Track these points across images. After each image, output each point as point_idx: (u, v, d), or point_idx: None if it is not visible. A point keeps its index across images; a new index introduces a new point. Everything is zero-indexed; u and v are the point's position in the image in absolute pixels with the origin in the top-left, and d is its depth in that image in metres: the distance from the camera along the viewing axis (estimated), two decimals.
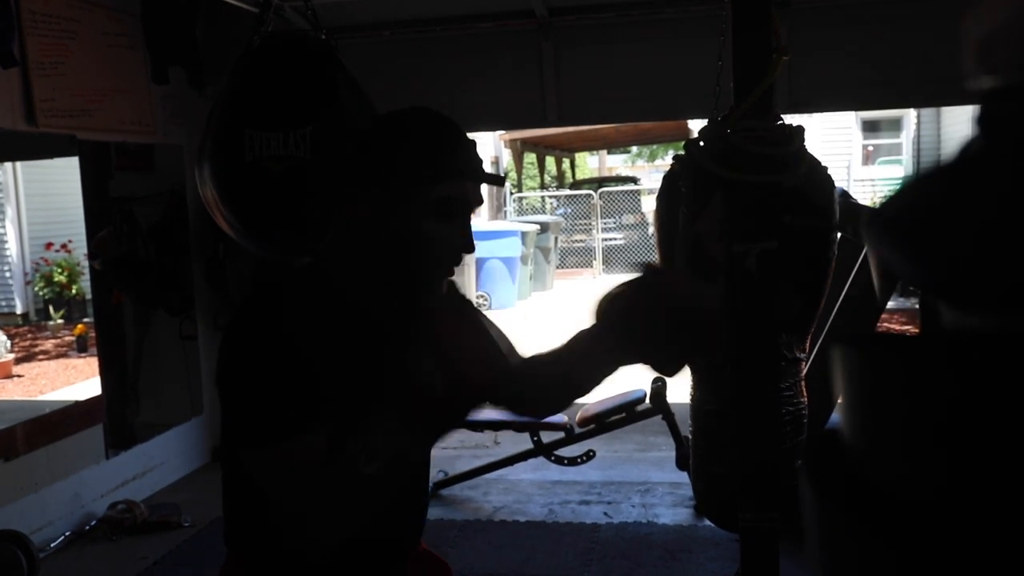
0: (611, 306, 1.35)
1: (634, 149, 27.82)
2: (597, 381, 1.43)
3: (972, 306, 0.74)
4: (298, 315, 1.26)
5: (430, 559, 1.62)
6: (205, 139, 3.25)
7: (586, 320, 1.38)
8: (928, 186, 0.84)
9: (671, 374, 1.35)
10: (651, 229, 4.66)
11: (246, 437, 1.25)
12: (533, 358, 1.52)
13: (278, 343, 1.23)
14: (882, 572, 0.66)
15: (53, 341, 7.52)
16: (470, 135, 1.38)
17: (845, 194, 3.53)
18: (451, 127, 1.35)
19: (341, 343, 1.27)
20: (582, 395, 1.50)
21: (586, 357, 1.39)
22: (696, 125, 9.07)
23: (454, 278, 1.45)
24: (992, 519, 0.60)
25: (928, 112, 14.22)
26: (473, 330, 1.49)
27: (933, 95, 4.57)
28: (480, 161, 1.38)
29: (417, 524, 1.54)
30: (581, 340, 1.40)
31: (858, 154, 15.75)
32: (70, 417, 4.33)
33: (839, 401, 0.73)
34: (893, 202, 0.85)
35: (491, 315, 1.61)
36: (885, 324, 8.05)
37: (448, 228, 1.31)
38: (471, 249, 1.36)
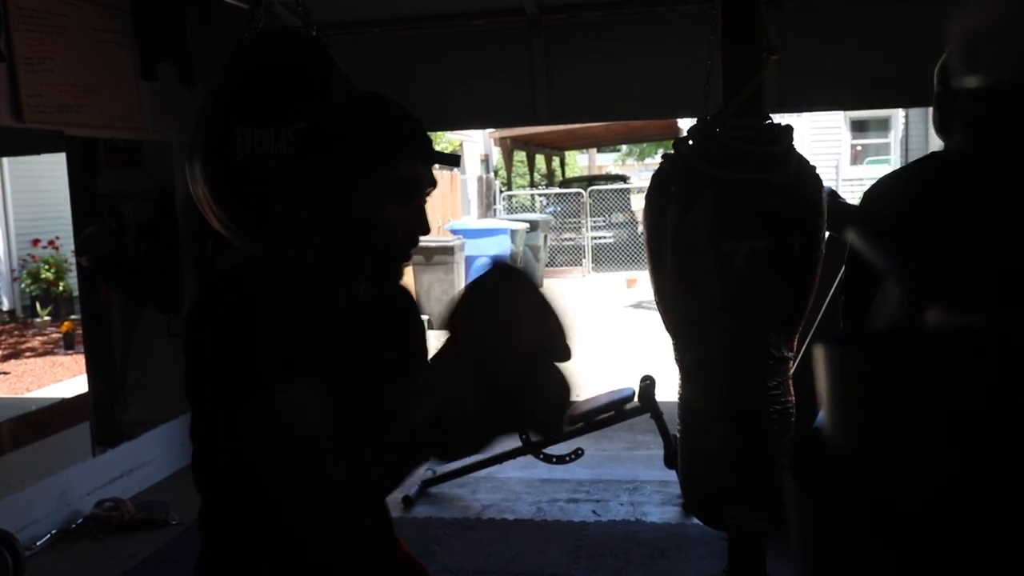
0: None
1: (624, 148, 27.83)
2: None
3: (956, 305, 0.74)
4: (261, 300, 1.26)
5: (408, 562, 1.61)
6: (196, 136, 3.24)
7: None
8: (914, 186, 0.84)
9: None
10: (640, 228, 4.67)
11: (229, 399, 1.22)
12: None
13: (241, 327, 1.22)
14: (863, 569, 0.67)
15: (40, 338, 7.49)
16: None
17: (833, 193, 3.55)
18: (399, 110, 1.36)
19: (303, 329, 1.26)
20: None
21: None
22: (686, 124, 9.10)
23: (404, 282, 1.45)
24: (973, 516, 0.61)
25: (916, 112, 14.29)
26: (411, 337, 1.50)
27: (921, 95, 4.58)
28: (431, 142, 1.39)
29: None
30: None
31: (847, 154, 15.83)
32: (57, 415, 4.31)
33: (823, 399, 0.74)
34: (879, 202, 0.86)
35: None
36: None
37: (403, 211, 1.33)
38: (427, 230, 1.38)
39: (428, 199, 1.41)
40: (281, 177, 2.92)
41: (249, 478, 1.29)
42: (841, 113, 14.51)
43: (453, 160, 1.53)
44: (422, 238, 1.40)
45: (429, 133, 1.40)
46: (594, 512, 4.15)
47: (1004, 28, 0.70)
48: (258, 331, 1.21)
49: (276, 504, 1.29)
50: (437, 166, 1.45)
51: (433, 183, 1.38)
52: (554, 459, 4.38)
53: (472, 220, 14.63)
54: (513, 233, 11.54)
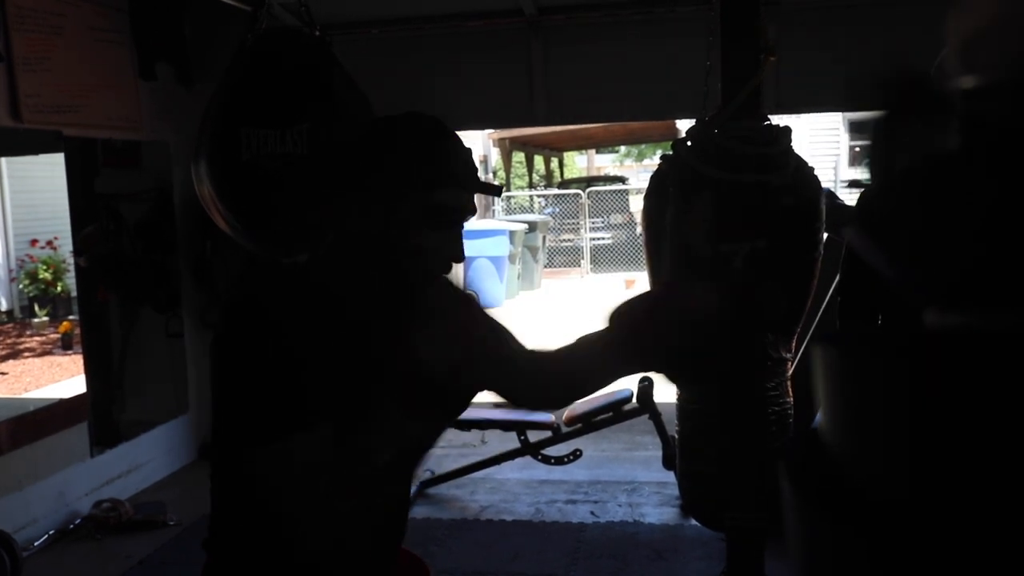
0: (626, 314, 1.36)
1: (622, 149, 27.83)
2: (602, 383, 1.47)
3: (954, 305, 0.74)
4: (291, 319, 1.24)
5: (408, 559, 1.61)
6: (201, 137, 3.24)
7: (598, 324, 1.41)
8: (910, 187, 0.84)
9: (675, 382, 1.43)
10: (639, 229, 4.69)
11: (246, 436, 1.23)
12: (539, 353, 1.52)
13: (272, 346, 1.21)
14: (858, 570, 0.67)
15: (38, 338, 7.49)
16: (459, 134, 1.36)
17: (831, 195, 3.55)
18: (447, 135, 1.32)
19: (332, 347, 1.25)
20: (584, 395, 1.53)
21: (595, 359, 1.41)
22: (684, 125, 9.09)
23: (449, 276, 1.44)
24: (972, 518, 0.61)
25: None
26: (464, 328, 1.47)
27: None
28: (475, 169, 1.36)
29: (399, 532, 1.54)
30: (591, 342, 1.41)
31: (845, 155, 15.83)
32: (55, 415, 4.30)
33: (821, 400, 0.74)
34: (874, 203, 0.86)
35: None
36: None
37: (440, 236, 1.30)
38: (461, 258, 1.35)
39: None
40: (303, 182, 2.91)
41: (264, 497, 1.29)
42: (839, 114, 14.51)
43: (495, 190, 1.51)
44: None
45: None
46: (592, 513, 4.15)
47: (1001, 28, 0.70)
48: (287, 360, 1.21)
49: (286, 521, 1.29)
50: None
51: (473, 210, 1.35)
52: (552, 460, 4.38)
53: (471, 221, 14.60)
54: (512, 234, 11.54)
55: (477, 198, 1.46)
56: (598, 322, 1.40)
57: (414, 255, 1.30)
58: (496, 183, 1.55)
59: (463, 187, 1.32)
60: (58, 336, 7.24)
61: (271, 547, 1.33)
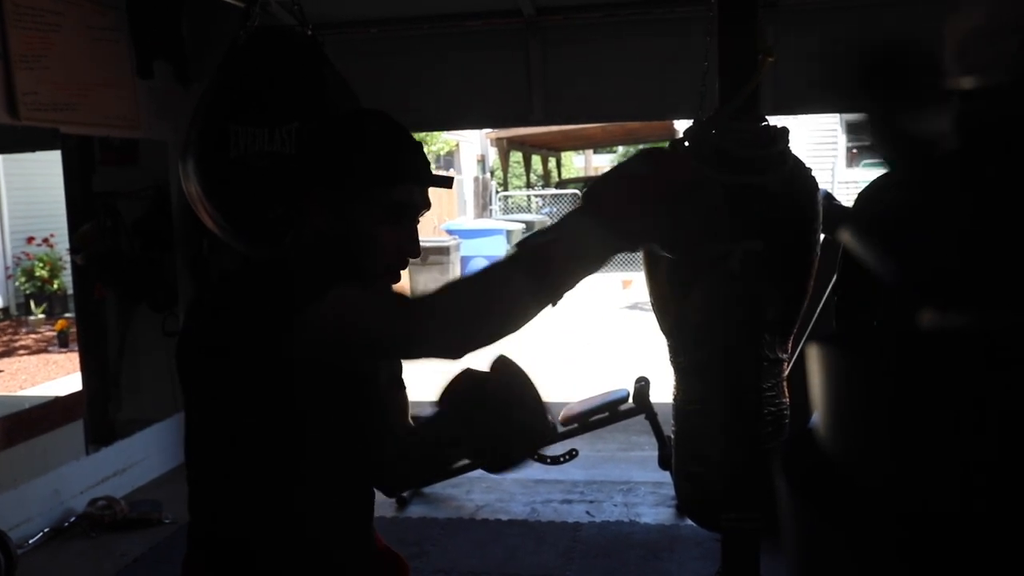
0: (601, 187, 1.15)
1: (620, 149, 27.84)
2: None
3: (952, 305, 0.74)
4: (236, 317, 1.27)
5: (389, 556, 1.61)
6: (190, 134, 3.23)
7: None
8: (908, 187, 0.85)
9: (673, 253, 1.31)
10: None
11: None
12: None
13: (217, 345, 1.28)
14: (855, 570, 0.67)
15: (34, 336, 7.47)
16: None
17: (829, 196, 3.55)
18: (399, 132, 1.35)
19: (279, 346, 1.24)
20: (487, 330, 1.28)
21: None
22: (682, 126, 9.10)
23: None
24: (973, 517, 0.61)
25: None
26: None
27: None
28: (428, 164, 1.38)
29: (368, 523, 1.54)
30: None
31: (843, 156, 15.85)
32: (50, 412, 4.30)
33: (817, 400, 0.74)
34: (872, 203, 0.86)
35: None
36: None
37: (395, 232, 1.32)
38: (417, 253, 1.37)
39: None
40: (280, 179, 2.92)
41: (254, 474, 1.30)
42: (837, 115, 14.53)
43: (447, 182, 1.51)
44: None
45: (425, 133, 1.39)
46: (588, 513, 4.15)
47: (998, 30, 0.71)
48: (229, 357, 1.26)
49: (275, 500, 1.31)
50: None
51: (427, 205, 1.37)
52: (548, 460, 4.38)
53: (468, 220, 14.62)
54: (509, 234, 11.56)
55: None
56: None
57: (371, 250, 1.32)
58: (447, 174, 1.54)
59: (417, 182, 1.34)
60: (54, 334, 7.22)
61: (243, 542, 1.36)
